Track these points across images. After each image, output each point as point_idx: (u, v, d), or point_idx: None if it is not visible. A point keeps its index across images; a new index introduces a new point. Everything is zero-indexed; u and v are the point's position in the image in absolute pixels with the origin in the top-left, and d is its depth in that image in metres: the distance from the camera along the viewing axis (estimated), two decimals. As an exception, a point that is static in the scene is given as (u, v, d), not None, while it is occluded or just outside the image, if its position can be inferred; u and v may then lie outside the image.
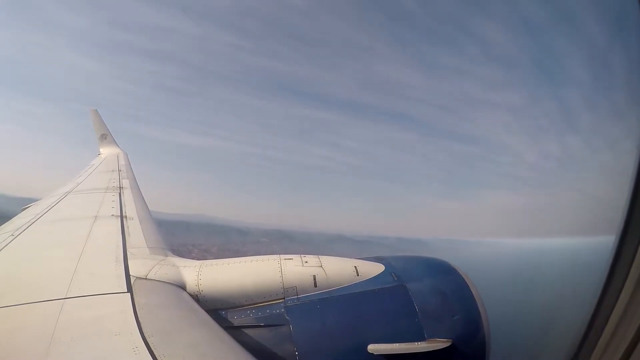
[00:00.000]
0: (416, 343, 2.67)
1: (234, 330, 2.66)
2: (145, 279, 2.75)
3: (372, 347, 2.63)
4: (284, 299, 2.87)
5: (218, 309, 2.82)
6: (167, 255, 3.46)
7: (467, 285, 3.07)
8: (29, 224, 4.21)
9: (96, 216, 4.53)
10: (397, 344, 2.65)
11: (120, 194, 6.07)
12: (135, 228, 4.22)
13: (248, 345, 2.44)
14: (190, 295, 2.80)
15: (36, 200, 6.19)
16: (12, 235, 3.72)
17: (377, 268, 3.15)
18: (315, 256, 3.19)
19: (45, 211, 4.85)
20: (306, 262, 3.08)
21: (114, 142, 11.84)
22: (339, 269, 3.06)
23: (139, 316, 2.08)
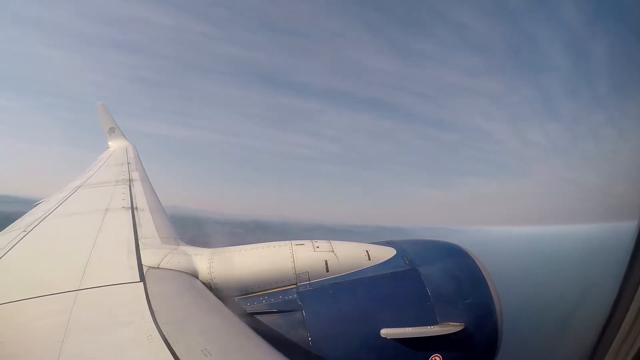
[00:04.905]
0: (429, 327, 2.67)
1: (247, 317, 2.68)
2: (158, 268, 2.78)
3: (385, 332, 2.63)
4: (296, 284, 2.88)
5: (231, 296, 2.84)
6: (178, 245, 3.49)
7: (479, 268, 3.03)
8: (41, 219, 4.28)
9: (107, 209, 4.58)
10: (410, 328, 2.65)
11: (130, 186, 6.14)
12: (146, 219, 4.26)
13: (261, 331, 2.46)
14: (203, 283, 2.82)
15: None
16: (25, 231, 3.78)
17: (389, 252, 3.13)
18: (326, 241, 3.17)
19: (56, 206, 4.92)
20: (317, 247, 3.07)
21: (122, 135, 11.90)
22: (350, 254, 3.05)
23: (152, 305, 2.10)
